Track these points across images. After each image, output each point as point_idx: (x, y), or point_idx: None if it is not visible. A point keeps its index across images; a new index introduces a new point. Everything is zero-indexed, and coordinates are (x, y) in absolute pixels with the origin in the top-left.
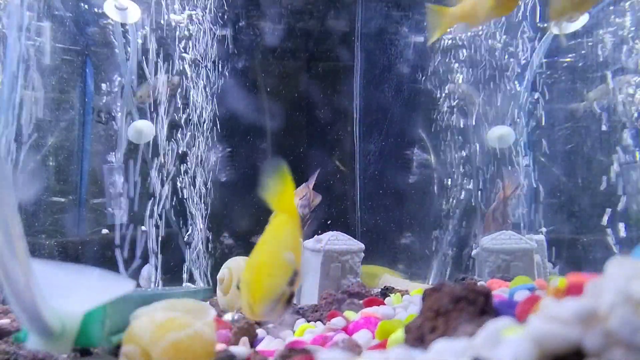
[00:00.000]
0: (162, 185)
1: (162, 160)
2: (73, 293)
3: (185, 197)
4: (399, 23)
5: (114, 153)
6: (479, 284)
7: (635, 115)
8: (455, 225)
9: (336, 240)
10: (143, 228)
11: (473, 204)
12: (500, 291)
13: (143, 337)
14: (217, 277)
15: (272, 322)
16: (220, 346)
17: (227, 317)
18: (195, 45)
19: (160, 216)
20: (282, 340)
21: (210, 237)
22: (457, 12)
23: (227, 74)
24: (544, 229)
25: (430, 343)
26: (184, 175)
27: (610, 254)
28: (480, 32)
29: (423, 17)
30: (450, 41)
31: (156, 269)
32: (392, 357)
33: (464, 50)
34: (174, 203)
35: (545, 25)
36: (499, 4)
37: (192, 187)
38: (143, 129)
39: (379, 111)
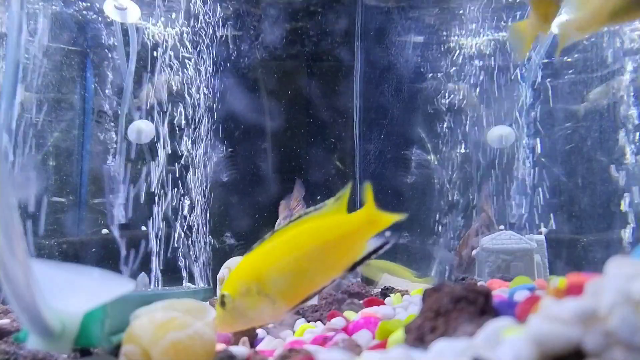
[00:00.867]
0: (162, 185)
1: (162, 160)
2: (73, 293)
3: (185, 197)
4: (399, 23)
5: (113, 153)
6: (479, 284)
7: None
8: (455, 225)
9: None
10: (143, 228)
11: (473, 203)
12: (500, 291)
13: (143, 337)
14: (217, 277)
15: (272, 322)
16: (220, 346)
17: None
18: (195, 45)
19: (160, 216)
20: (282, 340)
21: (211, 237)
22: (573, 21)
23: (227, 74)
24: (544, 229)
25: (430, 343)
26: (185, 175)
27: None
28: (481, 31)
29: (423, 17)
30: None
31: (151, 271)
32: (392, 357)
33: (465, 50)
34: (174, 203)
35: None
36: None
37: (192, 187)
38: (143, 129)
39: (378, 111)
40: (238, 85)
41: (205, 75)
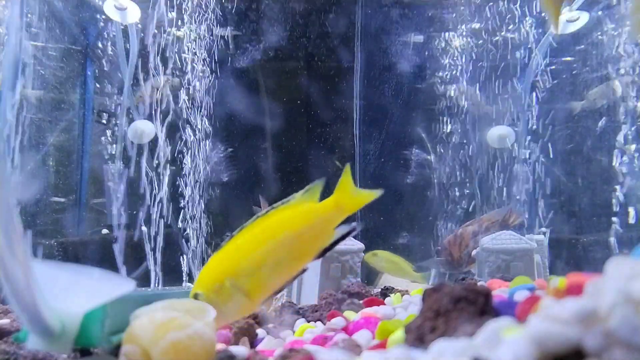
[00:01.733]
0: (162, 185)
1: (162, 160)
2: (73, 293)
3: (185, 196)
4: (399, 23)
5: (113, 153)
6: (479, 284)
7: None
8: (455, 225)
9: None
10: (143, 228)
11: (473, 203)
12: (500, 291)
13: (143, 337)
14: None
15: (272, 322)
16: (220, 346)
17: None
18: (195, 45)
19: (160, 216)
20: (282, 340)
21: (211, 237)
22: None
23: (227, 74)
24: (544, 229)
25: (430, 343)
26: (185, 175)
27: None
28: (481, 31)
29: (423, 17)
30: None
31: (150, 272)
32: (392, 357)
33: (464, 50)
34: (174, 203)
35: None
36: None
37: (192, 187)
38: (143, 129)
39: (378, 111)
40: (238, 86)
41: (206, 75)
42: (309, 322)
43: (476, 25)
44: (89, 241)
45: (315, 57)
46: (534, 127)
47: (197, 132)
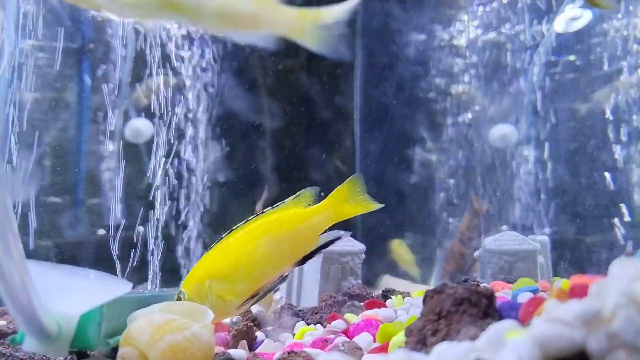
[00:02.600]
0: (160, 185)
1: (160, 159)
2: (69, 295)
3: (183, 197)
4: (400, 20)
5: (110, 153)
6: (481, 285)
7: None
8: (457, 225)
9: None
10: (140, 229)
11: (474, 203)
12: (503, 293)
13: (140, 339)
14: None
15: (272, 325)
16: (218, 349)
17: (226, 319)
18: (193, 43)
19: (157, 216)
20: (281, 343)
21: (210, 237)
22: None
23: (225, 72)
24: (547, 230)
25: (432, 346)
26: (183, 175)
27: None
28: (484, 29)
29: (425, 14)
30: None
31: (148, 273)
32: None
33: (467, 49)
34: (172, 203)
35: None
36: None
37: (190, 187)
38: (141, 128)
39: (379, 110)
40: (236, 84)
41: (203, 74)
42: (308, 324)
43: (479, 23)
44: (85, 242)
45: (314, 55)
46: (537, 126)
47: (195, 131)
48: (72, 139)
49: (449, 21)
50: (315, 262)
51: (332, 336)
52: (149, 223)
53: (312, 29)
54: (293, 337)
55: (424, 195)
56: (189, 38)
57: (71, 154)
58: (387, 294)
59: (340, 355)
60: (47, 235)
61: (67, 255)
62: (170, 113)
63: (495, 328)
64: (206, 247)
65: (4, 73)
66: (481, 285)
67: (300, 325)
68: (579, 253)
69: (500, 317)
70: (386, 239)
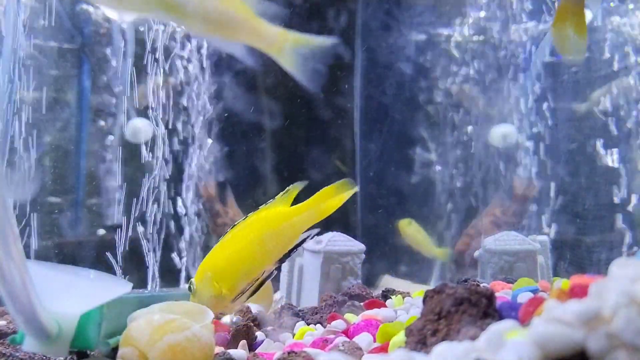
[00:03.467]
0: (160, 185)
1: (160, 159)
2: (70, 295)
3: (183, 197)
4: (400, 20)
5: (110, 153)
6: (481, 285)
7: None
8: (457, 225)
9: (336, 241)
10: (140, 229)
11: (475, 204)
12: (503, 293)
13: (140, 339)
14: None
15: (272, 325)
16: (218, 349)
17: (226, 319)
18: (192, 42)
19: (157, 216)
20: (281, 343)
21: (210, 238)
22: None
23: (224, 72)
24: (547, 230)
25: (432, 346)
26: (182, 175)
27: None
28: (484, 28)
29: (424, 14)
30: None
31: (148, 273)
32: None
33: (467, 48)
34: (171, 203)
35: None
36: None
37: (190, 187)
38: (141, 128)
39: (379, 110)
40: (236, 84)
41: (203, 73)
42: (308, 324)
43: (479, 22)
44: (85, 242)
45: None
46: (537, 126)
47: (194, 131)
48: (71, 138)
49: (449, 21)
50: (315, 262)
51: (332, 336)
52: (149, 223)
53: (290, 50)
54: (293, 337)
55: (424, 195)
56: (189, 38)
57: (71, 154)
58: (387, 294)
59: (340, 355)
60: (47, 235)
61: (67, 255)
62: (170, 112)
63: (495, 328)
64: (206, 247)
65: (4, 73)
66: (481, 285)
67: (300, 325)
68: (579, 253)
69: (500, 317)
70: (386, 239)
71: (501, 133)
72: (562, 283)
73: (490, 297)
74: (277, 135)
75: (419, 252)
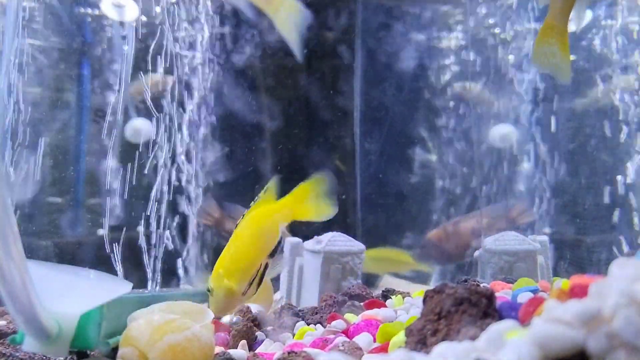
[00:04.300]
0: (160, 185)
1: (160, 159)
2: (70, 294)
3: (183, 197)
4: (400, 20)
5: (110, 152)
6: (481, 285)
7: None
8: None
9: (336, 241)
10: (140, 229)
11: (475, 204)
12: (503, 293)
13: (140, 339)
14: None
15: (271, 325)
16: (218, 349)
17: (226, 319)
18: (193, 42)
19: (157, 217)
20: (281, 343)
21: (210, 238)
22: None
23: (225, 72)
24: (547, 230)
25: (432, 346)
26: (182, 175)
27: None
28: (484, 28)
29: (424, 14)
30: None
31: (147, 273)
32: None
33: (467, 48)
34: (171, 203)
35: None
36: None
37: (190, 187)
38: (141, 127)
39: (379, 110)
40: (236, 84)
41: (203, 73)
42: (308, 324)
43: (479, 22)
44: (85, 242)
45: (314, 55)
46: (537, 125)
47: (194, 131)
48: (71, 138)
49: (448, 20)
50: (315, 262)
51: (332, 336)
52: (149, 223)
53: (285, 14)
54: (293, 337)
55: (424, 195)
56: (189, 37)
57: (71, 154)
58: (387, 294)
59: (340, 355)
60: (47, 235)
61: (67, 255)
62: (169, 112)
63: (495, 328)
64: (206, 247)
65: (4, 73)
66: (481, 285)
67: (300, 325)
68: (579, 253)
69: (500, 317)
70: (386, 239)
71: (501, 133)
72: (562, 283)
73: (490, 297)
74: (277, 135)
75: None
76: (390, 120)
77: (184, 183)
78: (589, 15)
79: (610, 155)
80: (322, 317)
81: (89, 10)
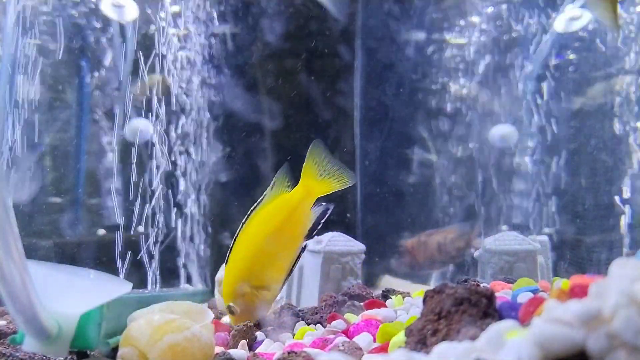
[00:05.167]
0: (160, 185)
1: (160, 159)
2: (70, 295)
3: (183, 197)
4: (400, 20)
5: (110, 153)
6: (481, 285)
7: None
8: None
9: (336, 241)
10: (140, 228)
11: (475, 204)
12: (503, 293)
13: (140, 339)
14: (216, 278)
15: (271, 325)
16: (218, 349)
17: (226, 319)
18: (193, 43)
19: (157, 216)
20: (281, 343)
21: (210, 238)
22: None
23: (225, 72)
24: (547, 230)
25: (432, 346)
26: (183, 175)
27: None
28: (484, 28)
29: (425, 14)
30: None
31: (147, 273)
32: None
33: (466, 48)
34: (172, 203)
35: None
36: None
37: (191, 187)
38: (141, 127)
39: (379, 110)
40: (236, 84)
41: (203, 74)
42: (308, 324)
43: (479, 22)
44: (85, 242)
45: (314, 55)
46: (537, 126)
47: (195, 131)
48: (71, 138)
49: (449, 20)
50: (315, 262)
51: (332, 336)
52: (149, 223)
53: None
54: (293, 337)
55: (423, 195)
56: (189, 37)
57: (71, 154)
58: (387, 294)
59: (340, 355)
60: (47, 235)
61: (67, 255)
62: (169, 112)
63: (495, 328)
64: (206, 246)
65: (4, 73)
66: (481, 285)
67: (300, 325)
68: (579, 253)
69: (500, 317)
70: (386, 239)
71: (501, 133)
72: (562, 283)
73: (490, 297)
74: (277, 135)
75: None
76: (390, 120)
77: (183, 183)
78: (588, 15)
79: (610, 155)
80: (322, 317)
81: (89, 11)
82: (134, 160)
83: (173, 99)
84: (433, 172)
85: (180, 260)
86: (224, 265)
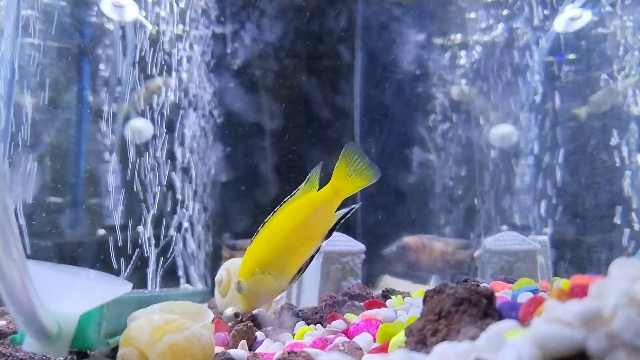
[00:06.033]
0: (160, 185)
1: (161, 159)
2: (70, 295)
3: (184, 197)
4: (400, 20)
5: (110, 153)
6: (481, 285)
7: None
8: (456, 225)
9: (336, 241)
10: (140, 228)
11: (475, 203)
12: (503, 293)
13: (140, 339)
14: (215, 278)
15: (272, 325)
16: (218, 349)
17: (228, 311)
18: (193, 43)
19: (157, 217)
20: (281, 343)
21: (210, 238)
22: None
23: (225, 72)
24: (547, 230)
25: (432, 346)
26: (183, 175)
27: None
28: (484, 29)
29: (425, 14)
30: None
31: (148, 273)
32: None
33: (466, 48)
34: (172, 203)
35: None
36: None
37: (191, 187)
38: (141, 128)
39: (379, 110)
40: (237, 84)
41: (204, 74)
42: (308, 324)
43: (479, 23)
44: (85, 242)
45: (315, 55)
46: (537, 126)
47: (195, 131)
48: (71, 138)
49: (448, 20)
50: (315, 262)
51: (332, 336)
52: (149, 223)
53: None
54: (293, 337)
55: (423, 195)
56: (189, 38)
57: (71, 154)
58: (387, 294)
59: (340, 355)
60: (47, 235)
61: (67, 255)
62: (170, 113)
63: (495, 328)
64: (209, 247)
65: (4, 73)
66: (481, 285)
67: (300, 325)
68: (579, 253)
69: (500, 317)
70: (386, 239)
71: (501, 133)
72: (562, 283)
73: (490, 297)
74: (278, 135)
75: None
76: (390, 120)
77: (183, 183)
78: (588, 15)
79: (610, 155)
80: (322, 317)
81: (89, 11)
82: (134, 160)
83: (173, 99)
84: (433, 172)
85: (180, 261)
86: (224, 265)
